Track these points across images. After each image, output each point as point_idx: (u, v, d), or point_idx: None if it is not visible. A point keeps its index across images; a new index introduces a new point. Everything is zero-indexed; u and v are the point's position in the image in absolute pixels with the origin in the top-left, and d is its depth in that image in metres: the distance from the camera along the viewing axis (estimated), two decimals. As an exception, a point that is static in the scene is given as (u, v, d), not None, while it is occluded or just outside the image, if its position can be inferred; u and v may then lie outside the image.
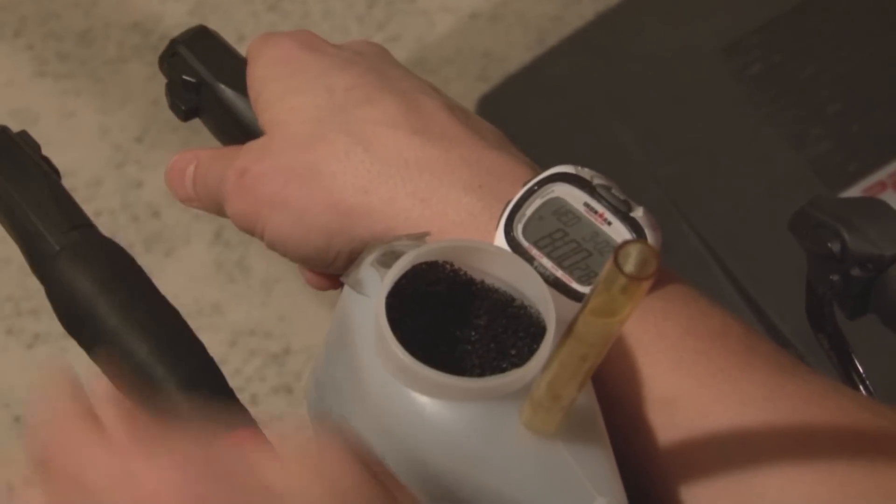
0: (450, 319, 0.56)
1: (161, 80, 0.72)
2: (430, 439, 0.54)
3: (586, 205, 0.61)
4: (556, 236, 0.60)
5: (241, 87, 0.69)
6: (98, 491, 0.52)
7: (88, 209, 0.66)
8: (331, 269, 0.65)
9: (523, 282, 0.57)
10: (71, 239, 0.63)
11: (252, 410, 0.61)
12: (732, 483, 0.56)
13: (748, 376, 0.58)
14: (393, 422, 0.55)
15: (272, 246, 0.66)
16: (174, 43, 0.71)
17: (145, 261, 0.64)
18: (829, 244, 0.64)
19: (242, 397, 0.61)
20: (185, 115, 0.71)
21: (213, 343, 0.63)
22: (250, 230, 0.66)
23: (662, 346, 0.59)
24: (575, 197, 0.61)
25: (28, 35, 1.78)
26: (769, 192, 1.34)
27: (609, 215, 0.60)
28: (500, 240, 0.60)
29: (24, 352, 1.59)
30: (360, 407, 0.56)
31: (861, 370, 0.67)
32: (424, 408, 0.54)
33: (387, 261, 0.57)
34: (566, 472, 0.54)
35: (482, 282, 0.57)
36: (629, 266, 0.46)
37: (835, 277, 0.64)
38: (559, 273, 0.60)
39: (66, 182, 0.66)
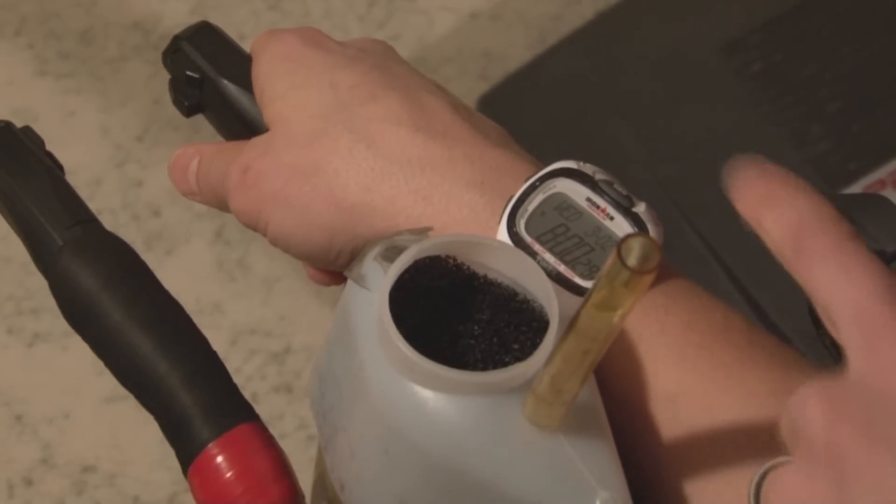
0: (453, 314, 0.56)
1: (162, 79, 0.72)
2: (433, 433, 0.54)
3: (588, 200, 0.61)
4: (558, 231, 0.60)
5: (244, 82, 0.69)
6: None
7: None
8: (333, 267, 0.65)
9: (526, 276, 0.57)
10: (74, 234, 0.63)
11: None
12: (736, 478, 0.57)
13: (751, 371, 0.58)
14: (396, 416, 0.55)
15: (275, 243, 0.66)
16: (177, 39, 0.71)
17: (146, 260, 0.64)
18: (831, 240, 0.64)
19: (243, 396, 0.62)
20: (189, 111, 0.71)
21: (214, 342, 0.63)
22: (253, 226, 0.66)
23: (665, 341, 0.59)
24: (577, 192, 0.61)
25: (29, 34, 1.78)
26: (769, 190, 1.34)
27: (611, 210, 0.61)
28: (502, 235, 0.60)
29: (25, 351, 1.59)
30: (363, 401, 0.57)
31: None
32: (427, 402, 0.54)
33: (390, 255, 0.57)
34: (569, 466, 0.54)
35: (485, 276, 0.57)
36: (632, 260, 0.47)
37: (836, 274, 0.64)
38: (562, 268, 0.60)
39: (67, 181, 0.66)
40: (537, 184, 0.61)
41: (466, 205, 0.62)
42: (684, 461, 0.58)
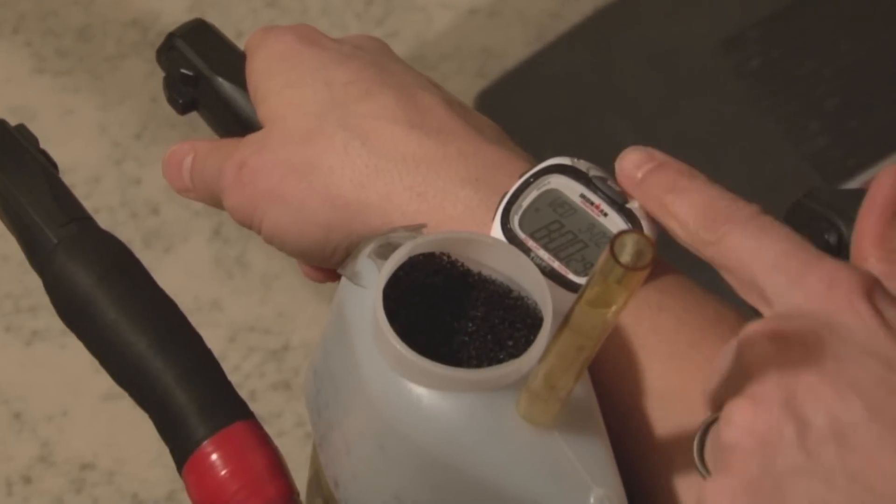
0: (447, 311, 0.56)
1: (160, 77, 0.72)
2: (428, 430, 0.54)
3: (582, 196, 0.61)
4: (552, 228, 0.60)
5: (239, 80, 0.69)
6: None
7: (87, 206, 0.66)
8: (328, 264, 0.65)
9: (520, 273, 0.57)
10: (69, 232, 0.63)
11: (250, 406, 0.61)
12: None
13: None
14: (390, 413, 0.55)
15: (269, 240, 0.66)
16: (172, 36, 0.71)
17: (144, 257, 0.64)
18: (826, 236, 0.64)
19: (241, 394, 0.61)
20: (183, 109, 0.71)
21: (212, 339, 0.63)
22: (247, 224, 0.66)
23: (657, 338, 0.59)
24: (571, 188, 0.61)
25: (26, 32, 1.78)
26: (768, 186, 1.34)
27: (605, 206, 0.61)
28: (496, 231, 0.60)
29: (23, 349, 1.59)
30: (358, 398, 0.57)
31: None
32: (422, 399, 0.54)
33: (384, 252, 0.57)
34: (563, 462, 0.54)
35: (479, 273, 0.57)
36: (625, 256, 0.47)
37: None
38: (556, 264, 0.60)
39: (65, 179, 0.66)
40: (531, 180, 0.61)
41: (461, 201, 0.62)
42: (675, 459, 0.58)
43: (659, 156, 0.57)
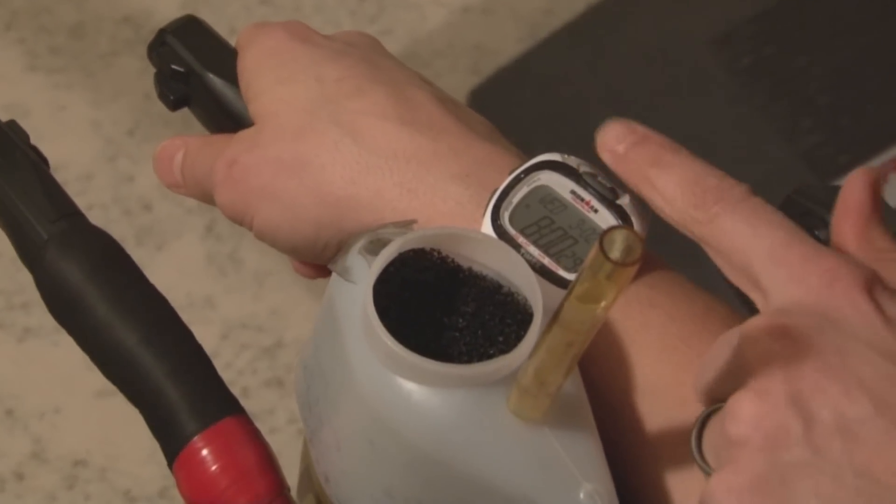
0: (437, 307, 0.56)
1: (153, 74, 0.72)
2: (418, 426, 0.55)
3: (573, 192, 0.61)
4: (542, 224, 0.60)
5: (230, 76, 0.69)
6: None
7: (80, 203, 0.66)
8: (319, 260, 0.65)
9: (510, 269, 0.57)
10: (59, 228, 0.63)
11: (243, 403, 0.61)
12: None
13: None
14: (380, 409, 0.55)
15: (261, 237, 0.66)
16: (163, 32, 0.71)
17: (137, 254, 0.64)
18: (816, 232, 0.64)
19: (234, 390, 0.61)
20: (174, 105, 0.71)
21: (205, 336, 0.63)
22: (239, 220, 0.66)
23: (647, 334, 0.59)
24: (561, 185, 0.61)
25: (19, 29, 1.78)
26: (760, 183, 1.33)
27: (595, 203, 0.61)
28: (487, 228, 0.60)
29: (15, 346, 1.59)
30: (348, 394, 0.57)
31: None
32: (412, 395, 0.55)
33: (374, 248, 0.58)
34: (553, 458, 0.54)
35: (469, 269, 0.57)
36: (614, 252, 0.47)
37: (822, 265, 0.64)
38: (546, 260, 0.60)
39: (58, 176, 0.66)
40: (522, 176, 0.61)
41: (451, 197, 0.62)
42: (664, 454, 0.58)
43: (641, 129, 0.55)
